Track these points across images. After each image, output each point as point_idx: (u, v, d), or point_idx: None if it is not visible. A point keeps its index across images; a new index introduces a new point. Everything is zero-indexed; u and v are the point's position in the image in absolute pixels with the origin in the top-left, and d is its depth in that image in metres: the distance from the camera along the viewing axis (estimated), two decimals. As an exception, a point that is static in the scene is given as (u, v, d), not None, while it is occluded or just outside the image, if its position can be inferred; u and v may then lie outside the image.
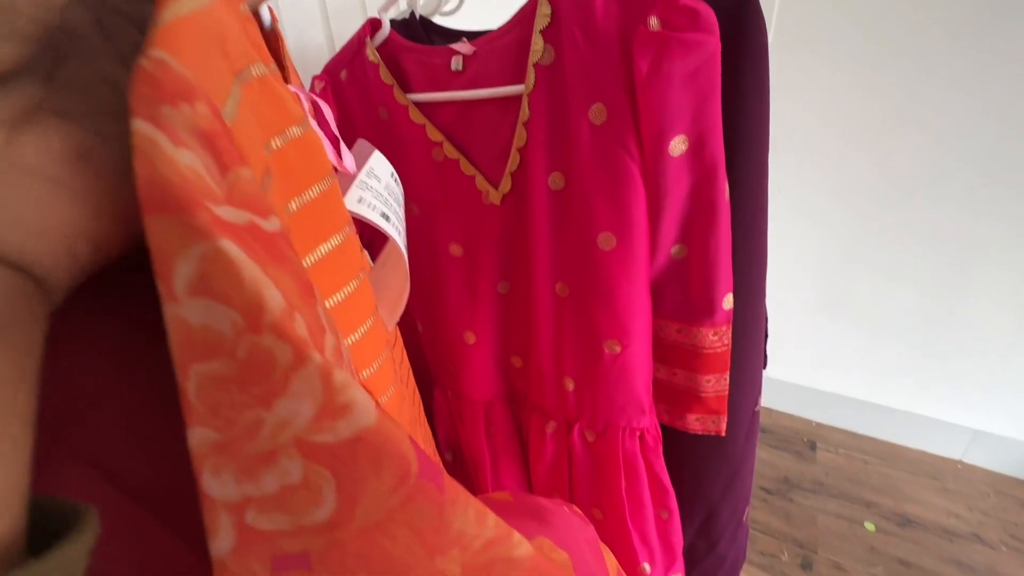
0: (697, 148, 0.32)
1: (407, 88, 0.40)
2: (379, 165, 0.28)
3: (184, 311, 0.11)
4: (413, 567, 0.14)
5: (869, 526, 1.25)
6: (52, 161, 0.12)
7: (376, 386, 0.25)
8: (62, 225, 0.12)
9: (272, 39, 0.29)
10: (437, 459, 0.19)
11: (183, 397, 0.12)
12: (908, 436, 1.44)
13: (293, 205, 0.21)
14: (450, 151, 0.40)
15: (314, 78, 0.41)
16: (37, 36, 0.12)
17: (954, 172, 1.15)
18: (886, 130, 1.17)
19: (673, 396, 0.44)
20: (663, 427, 0.46)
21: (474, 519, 0.14)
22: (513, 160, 0.37)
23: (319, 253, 0.22)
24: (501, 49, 0.36)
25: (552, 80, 0.34)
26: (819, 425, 1.54)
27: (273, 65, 0.21)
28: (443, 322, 0.48)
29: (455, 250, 0.44)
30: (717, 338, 0.39)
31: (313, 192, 0.22)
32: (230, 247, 0.11)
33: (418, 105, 0.39)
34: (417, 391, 0.42)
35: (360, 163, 0.27)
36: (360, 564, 0.13)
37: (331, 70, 0.41)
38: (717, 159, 0.32)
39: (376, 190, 0.27)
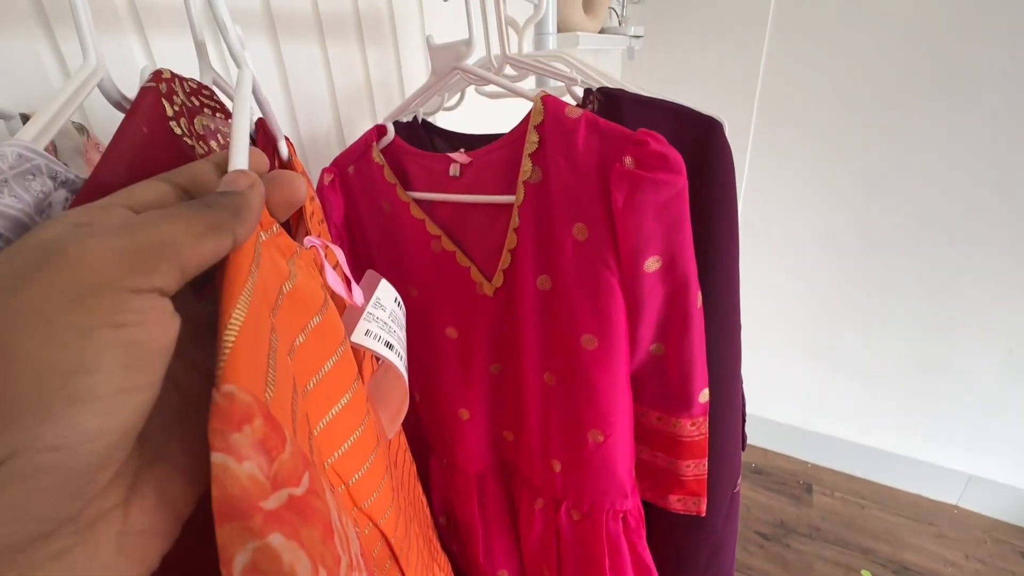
0: (669, 266, 0.35)
1: (408, 187, 0.44)
2: (384, 293, 0.31)
3: None
4: None
5: (866, 574, 1.25)
6: (147, 517, 0.15)
7: (368, 485, 0.28)
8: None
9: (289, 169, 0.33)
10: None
11: None
12: (903, 480, 1.45)
13: (311, 384, 0.24)
14: (447, 244, 0.43)
15: (323, 170, 0.45)
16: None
17: (934, 225, 1.19)
18: (867, 188, 1.22)
19: (656, 476, 0.46)
20: (647, 505, 0.48)
21: None
22: (505, 259, 0.41)
23: (331, 414, 0.25)
24: (495, 163, 0.40)
25: (539, 196, 0.37)
26: (814, 467, 1.55)
27: (296, 248, 0.25)
28: (439, 397, 0.50)
29: (451, 333, 0.47)
30: (695, 428, 0.42)
31: (328, 366, 0.25)
32: (275, 539, 0.14)
33: (418, 202, 0.43)
34: (410, 458, 0.45)
35: (368, 294, 0.30)
36: None
37: (340, 164, 0.45)
38: (688, 274, 0.35)
39: (382, 320, 0.30)
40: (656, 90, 0.39)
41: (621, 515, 0.46)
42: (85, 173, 0.25)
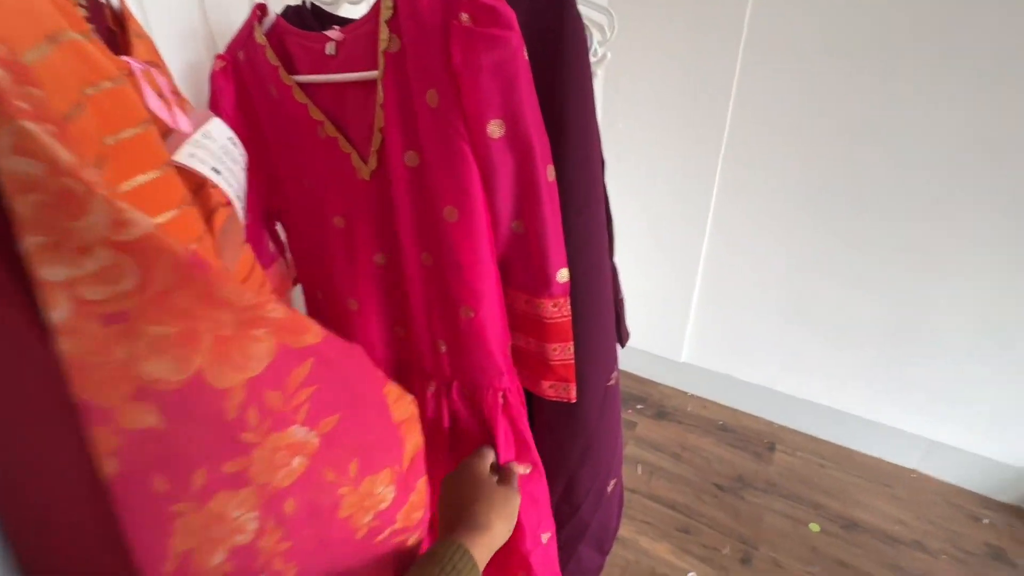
0: (512, 130, 0.36)
1: (293, 70, 0.44)
2: (216, 128, 0.32)
3: (8, 164, 0.18)
4: (198, 316, 0.22)
5: (814, 527, 1.27)
6: None
7: None
8: None
9: (120, 17, 0.34)
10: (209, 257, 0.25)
11: (16, 218, 0.18)
12: (866, 443, 1.45)
13: (109, 140, 0.26)
14: (330, 130, 0.44)
15: (216, 56, 0.46)
16: None
17: (918, 184, 1.16)
18: (850, 142, 1.19)
19: (528, 362, 0.48)
20: (529, 394, 0.49)
21: (235, 291, 0.23)
22: (376, 139, 0.41)
23: (136, 182, 0.27)
24: (362, 36, 0.39)
25: (398, 66, 0.37)
26: (781, 427, 1.56)
27: (92, 35, 0.26)
28: (330, 289, 0.52)
29: (338, 222, 0.48)
30: (556, 309, 0.43)
31: (127, 133, 0.27)
32: (30, 126, 0.17)
33: (301, 86, 0.43)
34: None
35: (197, 126, 0.32)
36: (160, 316, 0.21)
37: (231, 50, 0.46)
38: (533, 142, 0.36)
39: (210, 149, 0.32)
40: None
41: (500, 393, 0.48)
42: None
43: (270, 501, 0.27)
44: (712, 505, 1.33)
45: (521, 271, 0.43)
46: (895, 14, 1.05)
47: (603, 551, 0.60)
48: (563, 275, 0.42)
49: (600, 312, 0.47)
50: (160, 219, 0.28)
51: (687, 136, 1.36)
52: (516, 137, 0.36)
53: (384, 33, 0.37)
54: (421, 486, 0.37)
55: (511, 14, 0.32)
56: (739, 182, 1.35)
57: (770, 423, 1.57)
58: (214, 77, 0.46)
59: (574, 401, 0.46)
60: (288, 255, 0.56)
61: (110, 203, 0.19)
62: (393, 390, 0.35)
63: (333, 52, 0.41)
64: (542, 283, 0.42)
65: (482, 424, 0.49)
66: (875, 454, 1.45)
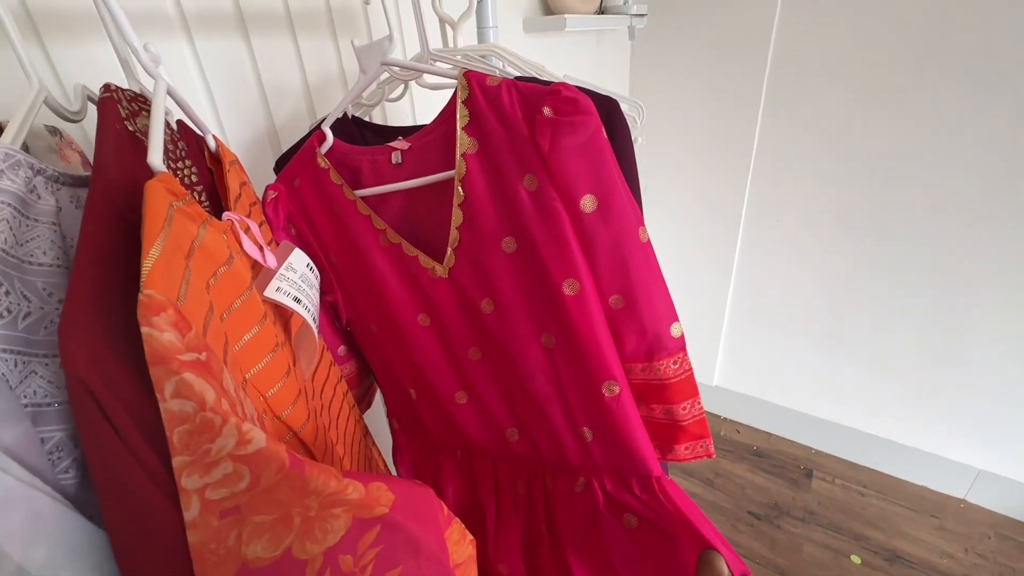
0: (605, 204, 0.40)
1: (357, 185, 0.48)
2: (296, 259, 0.38)
3: (169, 405, 0.23)
4: (292, 504, 0.27)
5: (855, 559, 1.25)
6: None
7: (282, 400, 0.36)
8: None
9: (216, 155, 0.40)
10: (303, 458, 0.29)
11: (170, 443, 0.24)
12: (909, 471, 1.42)
13: (224, 315, 0.31)
14: (392, 236, 0.47)
15: (267, 188, 0.49)
16: None
17: (954, 208, 1.14)
18: (884, 164, 1.18)
19: (658, 432, 0.49)
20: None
21: (323, 482, 0.28)
22: (453, 237, 0.44)
23: (243, 341, 0.33)
24: (432, 144, 0.44)
25: (482, 163, 0.41)
26: (817, 452, 1.54)
27: (207, 217, 0.32)
28: (433, 387, 0.53)
29: (423, 320, 0.50)
30: (677, 366, 0.45)
31: (237, 303, 0.32)
32: (188, 376, 0.23)
33: (365, 199, 0.48)
34: (348, 407, 0.51)
35: (281, 260, 0.37)
36: (263, 507, 0.26)
37: (284, 179, 0.49)
38: (625, 209, 0.40)
39: (292, 280, 0.37)
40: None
41: (655, 479, 0.47)
42: (59, 166, 0.33)
43: None
44: (748, 534, 1.33)
45: (633, 339, 0.45)
46: (931, 37, 1.04)
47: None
48: (676, 329, 0.44)
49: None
50: (258, 367, 0.34)
51: (715, 158, 1.37)
52: (609, 207, 0.40)
53: (463, 138, 0.41)
54: None
55: (590, 103, 0.37)
56: (769, 205, 1.35)
57: (807, 448, 1.55)
58: (266, 207, 0.48)
59: (713, 457, 0.49)
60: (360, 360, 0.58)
61: (238, 427, 0.25)
62: (454, 532, 0.38)
63: (399, 161, 0.46)
64: (657, 344, 0.44)
65: (665, 516, 0.46)
66: (920, 482, 1.41)
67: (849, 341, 1.38)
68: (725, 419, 1.68)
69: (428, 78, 0.51)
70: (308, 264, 0.39)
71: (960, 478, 1.35)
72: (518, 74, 0.47)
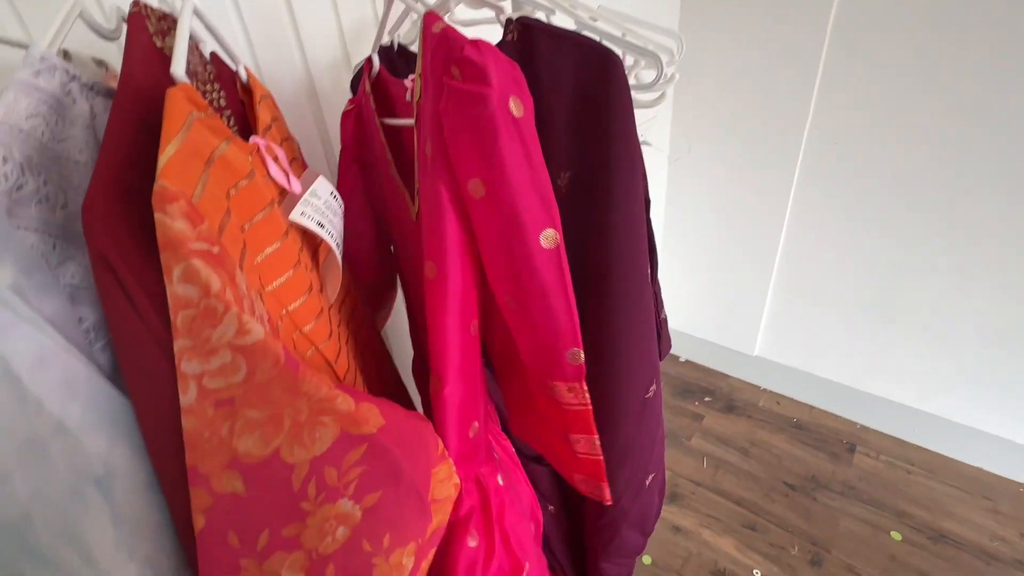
0: (493, 194, 0.33)
1: (390, 114, 0.48)
2: (321, 187, 0.39)
3: (176, 289, 0.24)
4: (284, 404, 0.28)
5: (895, 535, 1.21)
6: None
7: (304, 315, 0.37)
8: None
9: (248, 88, 0.40)
10: (297, 357, 0.28)
11: (173, 325, 0.25)
12: (964, 451, 1.34)
13: (246, 227, 0.32)
14: (393, 172, 0.46)
15: (349, 101, 0.51)
16: None
17: (1039, 166, 1.02)
18: (954, 122, 1.07)
19: (558, 453, 0.48)
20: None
21: (314, 385, 0.29)
22: (416, 186, 0.42)
23: (265, 254, 0.34)
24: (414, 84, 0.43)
25: (419, 117, 0.38)
26: (863, 428, 1.47)
27: (232, 135, 0.32)
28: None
29: (413, 252, 0.47)
30: (572, 395, 0.40)
31: (259, 217, 0.33)
32: (196, 262, 0.24)
33: (384, 129, 0.48)
34: (379, 349, 0.53)
35: (306, 186, 0.38)
36: (256, 402, 0.27)
37: (354, 100, 0.50)
38: (517, 206, 0.33)
39: (316, 205, 0.38)
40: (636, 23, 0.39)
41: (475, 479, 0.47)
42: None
43: (315, 566, 0.31)
44: (782, 504, 1.30)
45: (527, 345, 0.40)
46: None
47: (645, 533, 0.63)
48: (575, 357, 0.38)
49: (639, 329, 0.47)
50: (278, 282, 0.35)
51: (767, 116, 1.28)
52: (496, 197, 0.34)
53: (417, 85, 0.38)
54: (431, 555, 0.41)
55: (489, 70, 0.31)
56: (825, 165, 1.26)
57: (851, 423, 1.49)
58: (342, 117, 0.50)
59: (609, 503, 0.46)
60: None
61: (238, 317, 0.25)
62: (442, 471, 0.39)
63: (410, 98, 0.46)
64: (551, 363, 0.40)
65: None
66: (974, 463, 1.33)
67: (906, 314, 1.30)
68: (765, 390, 1.63)
69: (459, 13, 0.50)
70: (332, 192, 0.40)
71: (1021, 461, 1.26)
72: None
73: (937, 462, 1.36)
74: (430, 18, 0.36)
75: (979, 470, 1.33)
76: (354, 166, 0.53)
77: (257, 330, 0.26)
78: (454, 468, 0.41)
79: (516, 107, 0.33)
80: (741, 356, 1.63)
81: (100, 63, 0.39)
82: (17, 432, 0.23)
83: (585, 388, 0.40)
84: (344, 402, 0.30)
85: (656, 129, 1.37)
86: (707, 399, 1.62)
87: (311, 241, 0.41)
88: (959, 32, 1.00)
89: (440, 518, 0.40)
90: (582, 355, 0.39)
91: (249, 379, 0.26)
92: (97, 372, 0.25)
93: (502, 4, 0.42)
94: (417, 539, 0.37)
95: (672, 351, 1.80)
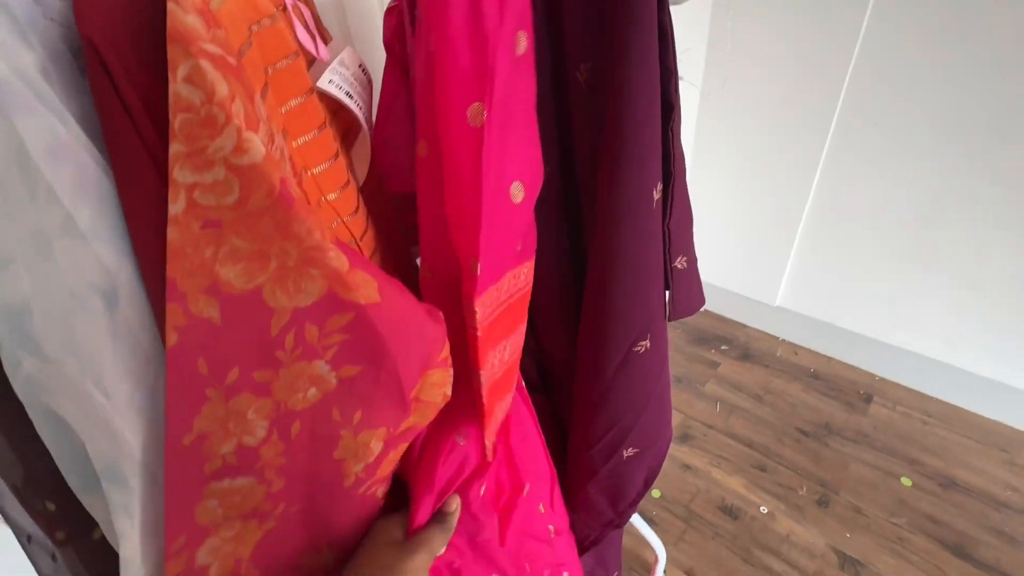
0: (429, 53, 0.33)
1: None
2: (349, 57, 0.37)
3: (179, 88, 0.23)
4: (272, 241, 0.27)
5: (905, 481, 1.21)
6: None
7: (329, 181, 0.36)
8: None
9: None
10: (298, 192, 0.28)
11: (171, 128, 0.24)
12: (985, 404, 1.32)
13: (269, 71, 0.32)
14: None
15: None
16: None
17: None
18: (1000, 63, 0.99)
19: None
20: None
21: (306, 229, 0.27)
22: None
23: (289, 106, 0.33)
24: None
25: None
26: (881, 380, 1.46)
27: None
28: None
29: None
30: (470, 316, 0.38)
31: (282, 64, 0.32)
32: (205, 63, 0.23)
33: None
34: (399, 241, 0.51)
35: (334, 55, 0.37)
36: (244, 231, 0.26)
37: None
38: (446, 68, 0.32)
39: (344, 75, 0.37)
40: None
41: None
42: None
43: (281, 417, 0.31)
44: (793, 448, 1.32)
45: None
46: None
47: (616, 509, 0.61)
48: (474, 267, 0.36)
49: (632, 270, 0.43)
50: (303, 139, 0.35)
51: (807, 54, 1.21)
52: (431, 57, 0.32)
53: None
54: (402, 447, 0.41)
55: None
56: (865, 108, 1.19)
57: (870, 375, 1.48)
58: (385, 14, 0.46)
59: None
60: None
61: (239, 132, 0.24)
62: (437, 375, 0.37)
63: None
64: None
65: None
66: (994, 416, 1.32)
67: (939, 263, 1.26)
68: (783, 341, 1.62)
69: None
70: (361, 65, 0.39)
71: (1044, 415, 1.25)
72: None
73: (956, 414, 1.35)
74: None
75: (998, 423, 1.31)
76: (397, 69, 0.51)
77: (256, 151, 0.24)
78: (451, 378, 0.39)
79: None
80: (762, 306, 1.61)
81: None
82: (25, 220, 0.23)
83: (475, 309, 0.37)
84: (337, 259, 0.28)
85: (690, 65, 1.31)
86: (724, 347, 1.62)
87: (339, 116, 0.40)
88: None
89: (419, 418, 0.39)
90: (479, 267, 0.36)
91: (241, 204, 0.25)
92: (109, 175, 0.24)
93: None
94: (389, 427, 0.36)
95: (691, 300, 1.78)
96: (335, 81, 0.36)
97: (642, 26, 0.37)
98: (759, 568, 1.08)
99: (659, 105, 0.40)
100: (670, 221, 0.48)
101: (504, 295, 0.40)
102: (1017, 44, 0.98)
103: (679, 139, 0.45)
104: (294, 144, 0.33)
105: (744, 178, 1.45)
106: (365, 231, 0.40)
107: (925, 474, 1.22)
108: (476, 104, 0.32)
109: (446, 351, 0.38)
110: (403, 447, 0.41)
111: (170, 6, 0.22)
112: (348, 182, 0.38)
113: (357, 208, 0.39)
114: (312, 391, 0.32)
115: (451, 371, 0.39)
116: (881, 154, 1.22)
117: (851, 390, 1.45)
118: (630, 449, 0.57)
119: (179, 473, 0.30)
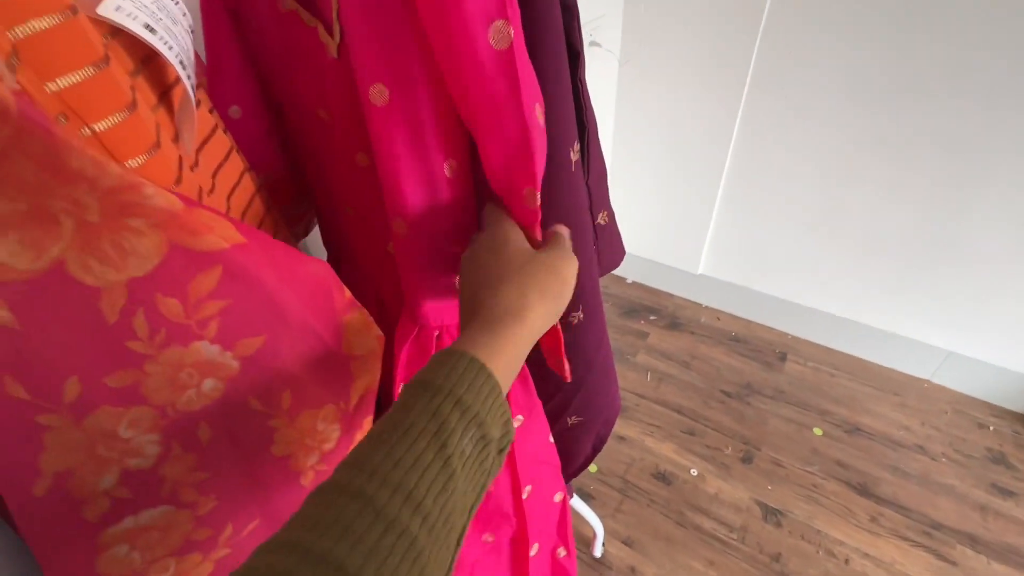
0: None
1: None
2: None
3: None
4: (48, 192, 0.18)
5: (817, 431, 1.31)
6: None
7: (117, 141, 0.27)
8: None
9: None
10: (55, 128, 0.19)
11: None
12: (882, 354, 1.45)
13: (18, 32, 0.22)
14: (290, 2, 0.36)
15: None
16: None
17: (974, 85, 1.03)
18: (900, 33, 1.04)
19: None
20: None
21: (92, 164, 0.18)
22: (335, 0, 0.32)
23: (33, 28, 0.23)
24: None
25: None
26: (795, 338, 1.55)
27: None
28: (327, 196, 0.47)
29: (322, 115, 0.40)
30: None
31: (42, 23, 0.22)
32: None
33: None
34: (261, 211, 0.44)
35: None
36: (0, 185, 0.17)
37: None
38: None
39: (140, 2, 0.28)
40: None
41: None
42: None
43: (174, 424, 0.24)
44: (718, 410, 1.38)
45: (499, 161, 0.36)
46: None
47: (566, 471, 0.61)
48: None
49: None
50: (104, 124, 0.25)
51: (718, 24, 1.21)
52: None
53: None
54: (367, 425, 0.34)
55: None
56: (775, 75, 1.22)
57: (784, 334, 1.57)
58: None
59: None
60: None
61: None
62: (356, 320, 0.30)
63: None
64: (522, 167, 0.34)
65: None
66: (889, 365, 1.45)
67: (842, 226, 1.33)
68: (706, 307, 1.68)
69: None
70: (176, -2, 0.30)
71: (929, 360, 1.38)
72: None
73: (857, 365, 1.46)
74: None
75: (892, 370, 1.44)
76: (222, 15, 0.41)
77: None
78: (370, 317, 0.33)
79: None
80: (685, 275, 1.65)
81: None
82: None
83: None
84: (161, 197, 0.20)
85: (607, 30, 1.27)
86: (652, 318, 1.65)
87: (156, 76, 0.31)
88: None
89: (367, 379, 0.33)
90: (537, 197, 0.35)
91: None
92: None
93: None
94: (337, 401, 0.30)
95: (619, 272, 1.80)
96: (124, 8, 0.26)
97: None
98: (691, 528, 1.12)
99: (566, 55, 0.35)
100: (589, 179, 0.45)
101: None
102: (915, 10, 1.03)
103: (587, 87, 0.41)
104: (50, 86, 0.23)
105: (665, 149, 1.46)
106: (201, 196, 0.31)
107: (834, 423, 1.32)
108: (499, 22, 0.29)
109: (347, 292, 0.32)
110: (367, 424, 0.34)
111: None
112: (157, 145, 0.29)
113: (179, 180, 0.30)
114: (208, 383, 0.24)
115: (364, 310, 0.33)
116: (790, 122, 1.26)
117: (768, 350, 1.53)
118: (573, 417, 0.57)
119: (46, 532, 0.22)
